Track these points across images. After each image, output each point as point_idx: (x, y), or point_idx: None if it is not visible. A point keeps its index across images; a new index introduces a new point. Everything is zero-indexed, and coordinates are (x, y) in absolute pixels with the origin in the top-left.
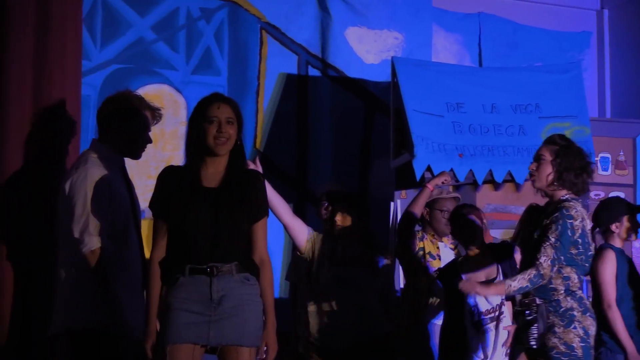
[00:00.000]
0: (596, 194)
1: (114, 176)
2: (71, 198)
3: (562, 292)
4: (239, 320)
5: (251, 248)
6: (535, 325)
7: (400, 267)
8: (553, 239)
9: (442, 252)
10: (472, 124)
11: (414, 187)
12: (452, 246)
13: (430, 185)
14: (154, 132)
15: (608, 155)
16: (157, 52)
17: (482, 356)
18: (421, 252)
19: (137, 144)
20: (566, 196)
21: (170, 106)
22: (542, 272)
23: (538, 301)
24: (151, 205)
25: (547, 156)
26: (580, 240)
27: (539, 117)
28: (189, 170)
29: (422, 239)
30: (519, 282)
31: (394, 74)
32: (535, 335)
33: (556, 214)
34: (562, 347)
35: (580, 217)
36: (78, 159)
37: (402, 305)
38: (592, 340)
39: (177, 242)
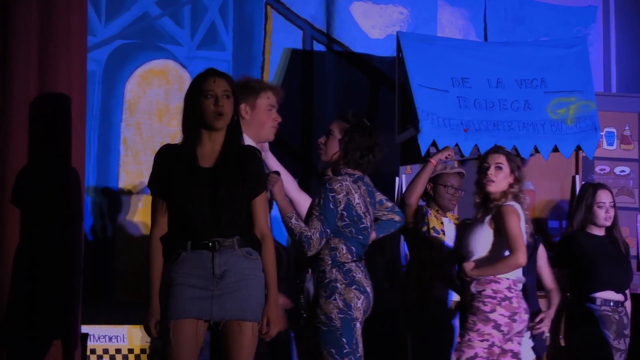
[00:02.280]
0: (602, 169)
1: None
2: None
3: (329, 263)
4: (242, 294)
5: (252, 223)
6: (302, 294)
7: (405, 242)
8: (317, 212)
9: (446, 228)
10: (478, 99)
11: (419, 162)
12: (456, 221)
13: (433, 160)
14: (159, 107)
15: (613, 130)
16: (162, 28)
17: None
18: (425, 227)
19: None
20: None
21: (175, 81)
22: (311, 242)
23: (309, 271)
24: (150, 184)
25: (336, 133)
26: (345, 213)
27: (544, 92)
28: (186, 148)
29: (426, 214)
30: (296, 224)
31: (399, 49)
32: (304, 304)
33: (321, 189)
34: (322, 317)
35: (345, 191)
36: None
37: (407, 280)
38: (356, 313)
39: (177, 220)
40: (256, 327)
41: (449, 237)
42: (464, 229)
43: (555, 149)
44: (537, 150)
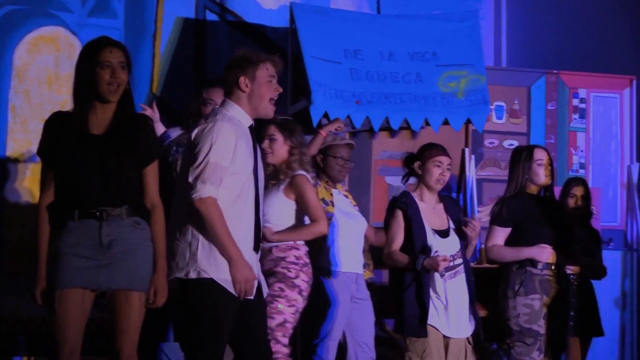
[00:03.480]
0: (491, 142)
1: (243, 135)
2: (195, 146)
3: None
4: (129, 264)
5: (142, 193)
6: None
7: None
8: None
9: (336, 199)
10: (370, 71)
11: (311, 134)
12: (346, 193)
13: (323, 132)
14: (48, 75)
15: (503, 103)
16: None
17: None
18: None
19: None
20: None
21: (66, 49)
22: None
23: None
24: (39, 151)
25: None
26: None
27: (435, 65)
28: (77, 117)
29: (315, 185)
30: None
31: (292, 20)
32: None
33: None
34: None
35: None
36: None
37: None
38: None
39: (65, 189)
40: (143, 297)
41: (338, 209)
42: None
43: (446, 122)
44: (427, 123)
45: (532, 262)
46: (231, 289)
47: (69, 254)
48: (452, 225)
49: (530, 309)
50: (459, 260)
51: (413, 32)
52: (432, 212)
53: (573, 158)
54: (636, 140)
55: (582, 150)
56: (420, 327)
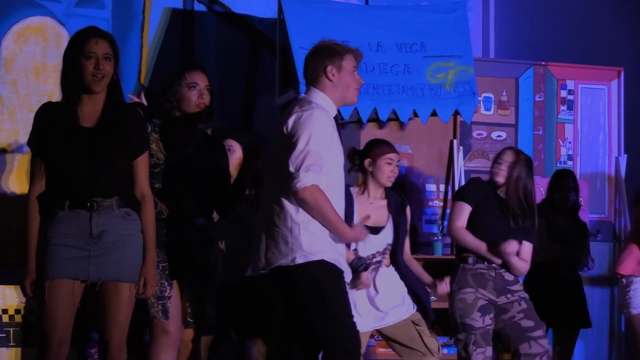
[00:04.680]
0: (479, 134)
1: (334, 126)
2: (293, 134)
3: None
4: (119, 255)
5: (132, 183)
6: None
7: None
8: None
9: None
10: None
11: None
12: None
13: None
14: (36, 65)
15: (491, 95)
16: None
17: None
18: None
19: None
20: None
21: (53, 39)
22: None
23: None
24: (29, 142)
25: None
26: None
27: (423, 56)
28: (66, 108)
29: None
30: None
31: (280, 10)
32: None
33: None
34: None
35: None
36: (297, 101)
37: None
38: None
39: (55, 180)
40: (133, 288)
41: None
42: None
43: (434, 113)
44: (415, 114)
45: (463, 258)
46: (341, 266)
47: (59, 244)
48: (390, 223)
49: (463, 303)
50: (378, 258)
51: (401, 23)
52: (370, 207)
53: (561, 150)
54: (624, 132)
55: (570, 142)
56: None
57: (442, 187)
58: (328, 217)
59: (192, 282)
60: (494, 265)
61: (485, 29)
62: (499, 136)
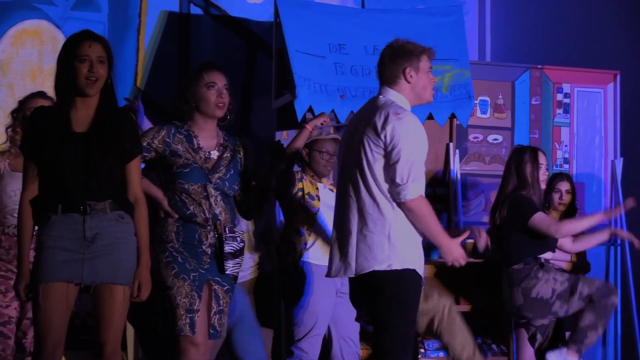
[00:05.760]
0: (475, 137)
1: None
2: (391, 142)
3: None
4: (113, 258)
5: (125, 187)
6: None
7: (280, 208)
8: None
9: (321, 193)
10: (354, 66)
11: (295, 128)
12: (332, 187)
13: (309, 126)
14: (32, 68)
15: (487, 98)
16: None
17: None
18: (300, 193)
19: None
20: None
21: (49, 42)
22: None
23: None
24: (22, 146)
25: None
26: None
27: None
28: (59, 112)
29: (301, 180)
30: None
31: (276, 13)
32: None
33: None
34: None
35: None
36: (384, 105)
37: (282, 245)
38: None
39: (48, 183)
40: (127, 291)
41: (324, 203)
42: None
43: (430, 117)
44: None
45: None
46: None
47: (53, 248)
48: None
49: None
50: None
51: (397, 26)
52: None
53: (557, 153)
54: (620, 135)
55: (566, 145)
56: None
57: (438, 190)
58: (431, 226)
59: (217, 293)
60: None
61: (482, 32)
62: (495, 139)
